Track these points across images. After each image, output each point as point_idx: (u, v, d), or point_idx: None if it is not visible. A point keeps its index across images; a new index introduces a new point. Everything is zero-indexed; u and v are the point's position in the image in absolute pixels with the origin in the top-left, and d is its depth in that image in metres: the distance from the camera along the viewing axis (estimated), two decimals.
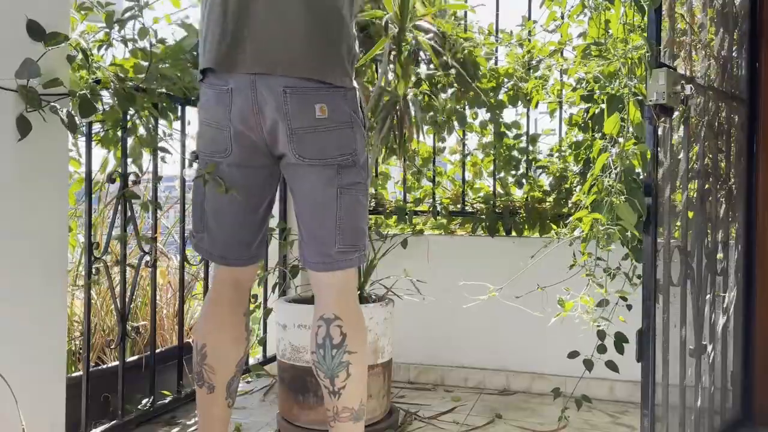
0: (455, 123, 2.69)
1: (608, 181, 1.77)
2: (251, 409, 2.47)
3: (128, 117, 1.96)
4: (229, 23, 1.56)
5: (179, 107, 2.22)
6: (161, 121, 2.09)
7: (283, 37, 1.55)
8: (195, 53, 2.06)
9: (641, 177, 1.76)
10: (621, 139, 1.80)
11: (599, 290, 2.02)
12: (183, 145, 2.32)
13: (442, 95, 2.58)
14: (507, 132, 2.80)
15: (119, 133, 2.00)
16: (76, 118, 1.64)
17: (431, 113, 2.59)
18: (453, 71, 2.40)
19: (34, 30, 1.56)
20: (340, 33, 1.58)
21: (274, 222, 2.80)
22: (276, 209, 2.87)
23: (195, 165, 1.74)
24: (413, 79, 2.31)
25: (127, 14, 1.78)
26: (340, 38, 1.58)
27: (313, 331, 1.63)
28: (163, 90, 2.00)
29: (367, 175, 1.67)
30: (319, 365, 1.62)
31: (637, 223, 1.70)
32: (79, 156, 2.02)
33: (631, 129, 1.78)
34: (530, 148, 2.80)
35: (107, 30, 1.83)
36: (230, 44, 1.56)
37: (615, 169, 1.78)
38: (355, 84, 1.64)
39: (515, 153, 2.82)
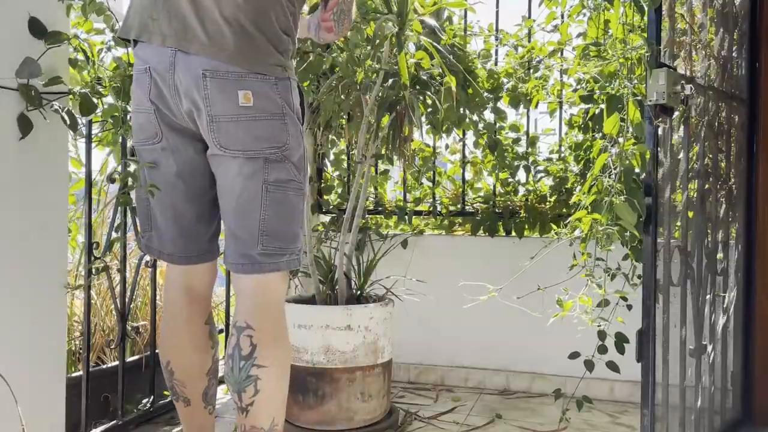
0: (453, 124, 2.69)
1: (608, 181, 1.76)
2: None
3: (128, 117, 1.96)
4: None
5: None
6: None
7: (204, 15, 1.41)
8: None
9: (641, 177, 1.76)
10: (621, 140, 1.80)
11: (599, 291, 2.02)
12: None
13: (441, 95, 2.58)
14: (502, 140, 2.79)
15: (119, 134, 2.00)
16: (77, 117, 1.64)
17: (431, 112, 2.59)
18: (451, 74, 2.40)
19: (36, 28, 1.57)
20: (272, 18, 1.45)
21: None
22: None
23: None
24: (413, 79, 2.31)
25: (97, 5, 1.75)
26: (271, 24, 1.44)
27: (228, 340, 1.50)
28: None
29: (303, 174, 1.51)
30: (227, 377, 1.47)
31: (636, 223, 1.70)
32: (78, 157, 2.03)
33: (630, 129, 1.78)
34: (529, 149, 2.80)
35: (87, 17, 1.80)
36: (150, 13, 1.44)
37: (615, 169, 1.78)
38: (290, 74, 1.51)
39: (515, 157, 2.81)
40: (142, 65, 1.48)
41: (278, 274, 1.50)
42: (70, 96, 1.66)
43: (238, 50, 1.41)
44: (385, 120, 2.27)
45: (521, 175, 2.80)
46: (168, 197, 1.55)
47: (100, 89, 1.73)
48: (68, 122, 1.60)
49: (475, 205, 2.87)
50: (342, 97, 2.26)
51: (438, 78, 2.39)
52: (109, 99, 1.80)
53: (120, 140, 1.99)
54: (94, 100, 1.68)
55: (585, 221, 1.83)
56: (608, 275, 2.05)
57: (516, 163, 2.78)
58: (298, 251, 1.51)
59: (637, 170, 1.82)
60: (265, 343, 1.45)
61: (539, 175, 2.75)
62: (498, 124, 2.78)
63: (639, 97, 1.83)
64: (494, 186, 2.84)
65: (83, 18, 1.75)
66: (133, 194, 1.78)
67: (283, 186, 1.47)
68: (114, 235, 2.03)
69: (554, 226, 2.56)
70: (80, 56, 1.72)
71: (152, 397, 2.23)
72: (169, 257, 1.62)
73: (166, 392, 2.35)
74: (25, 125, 1.54)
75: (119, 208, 2.03)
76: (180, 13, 1.42)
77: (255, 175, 1.44)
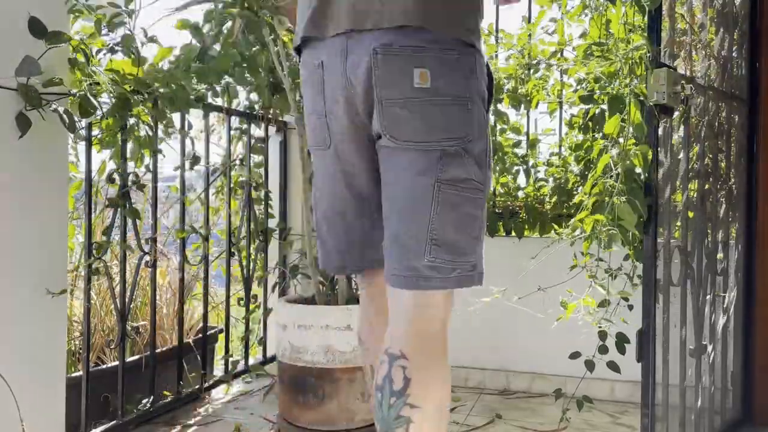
0: None
1: (609, 182, 1.76)
2: (251, 409, 2.47)
3: (128, 118, 1.96)
4: None
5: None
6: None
7: None
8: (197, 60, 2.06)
9: (642, 177, 1.76)
10: (621, 140, 1.80)
11: (601, 291, 2.02)
12: (183, 147, 2.32)
13: None
14: (503, 142, 2.79)
15: (119, 135, 2.00)
16: (75, 118, 1.64)
17: None
18: None
19: (36, 28, 1.57)
20: None
21: (273, 222, 2.81)
22: (276, 209, 2.87)
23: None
24: None
25: (116, 19, 1.77)
26: None
27: (376, 366, 1.25)
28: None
29: (484, 172, 1.24)
30: (375, 412, 1.22)
31: (637, 223, 1.70)
32: (77, 160, 2.03)
33: (631, 129, 1.78)
34: (528, 152, 2.80)
35: (101, 32, 1.82)
36: (318, 6, 1.26)
37: (616, 169, 1.77)
38: (479, 46, 1.25)
39: (514, 162, 2.81)
40: (312, 62, 1.28)
41: (443, 294, 1.23)
42: (70, 98, 1.66)
43: (415, 9, 1.17)
44: None
45: (521, 179, 2.80)
46: (339, 205, 1.35)
47: (97, 88, 1.74)
48: (67, 123, 1.60)
49: None
50: None
51: None
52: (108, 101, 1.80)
53: (120, 142, 1.99)
54: (94, 101, 1.68)
55: (587, 222, 1.83)
56: (610, 275, 2.05)
57: (515, 168, 2.78)
58: (471, 267, 1.23)
59: (638, 170, 1.82)
60: (420, 379, 1.18)
61: (539, 183, 2.75)
62: (499, 126, 2.78)
63: (640, 98, 1.83)
64: (494, 186, 2.83)
65: (95, 30, 1.77)
66: (133, 195, 1.79)
67: (460, 186, 1.20)
68: (114, 236, 2.03)
69: (555, 227, 2.56)
70: (80, 58, 1.73)
71: (152, 397, 2.23)
72: (337, 270, 1.45)
73: (166, 392, 2.35)
74: (23, 123, 1.54)
75: (119, 209, 2.03)
76: None
77: (427, 171, 1.19)
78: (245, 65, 2.16)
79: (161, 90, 1.93)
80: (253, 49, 2.18)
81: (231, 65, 2.09)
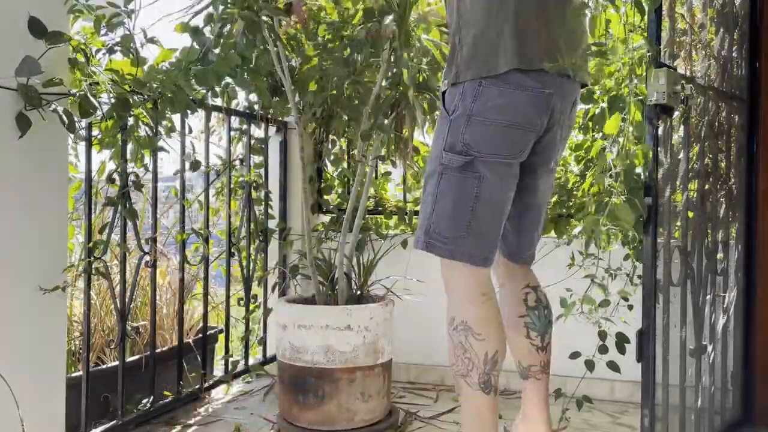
0: None
1: (609, 182, 1.76)
2: (251, 409, 2.47)
3: (127, 118, 1.96)
4: (540, 23, 1.58)
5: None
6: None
7: (579, 40, 1.65)
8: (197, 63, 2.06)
9: (642, 177, 1.76)
10: (621, 139, 1.79)
11: (600, 291, 2.02)
12: (183, 147, 2.32)
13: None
14: None
15: (119, 136, 2.00)
16: (75, 118, 1.64)
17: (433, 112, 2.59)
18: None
19: (36, 28, 1.57)
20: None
21: (273, 223, 2.81)
22: (276, 209, 2.87)
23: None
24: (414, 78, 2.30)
25: (115, 20, 1.77)
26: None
27: (519, 297, 1.81)
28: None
29: None
30: (531, 325, 1.81)
31: (636, 223, 1.70)
32: (77, 161, 2.03)
33: (631, 129, 1.78)
34: None
35: (100, 32, 1.82)
36: (547, 45, 1.58)
37: (615, 169, 1.77)
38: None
39: None
40: (541, 88, 1.58)
41: None
42: (70, 98, 1.66)
43: (588, 72, 1.71)
44: (386, 120, 2.27)
45: None
46: (504, 208, 1.67)
47: (97, 88, 1.74)
48: (66, 123, 1.60)
49: None
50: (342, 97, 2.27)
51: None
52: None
53: (120, 142, 1.99)
54: (94, 102, 1.68)
55: (587, 221, 1.82)
56: (610, 275, 2.05)
57: None
58: None
59: (638, 170, 1.82)
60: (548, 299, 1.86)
61: None
62: None
63: (640, 97, 1.83)
64: None
65: (94, 30, 1.77)
66: (134, 195, 1.79)
67: None
68: (114, 236, 2.03)
69: (555, 226, 2.56)
70: (80, 58, 1.73)
71: (152, 397, 2.23)
72: (484, 261, 1.68)
73: (166, 392, 2.35)
74: (23, 123, 1.54)
75: (118, 209, 2.03)
76: (569, 41, 1.63)
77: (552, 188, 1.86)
78: (245, 68, 2.16)
79: (160, 92, 1.93)
80: (254, 52, 2.17)
81: (231, 68, 2.09)
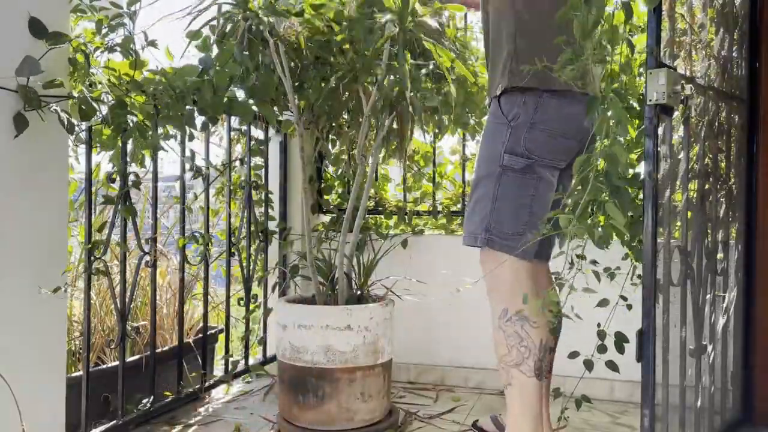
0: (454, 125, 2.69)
1: (595, 182, 1.76)
2: (251, 409, 2.48)
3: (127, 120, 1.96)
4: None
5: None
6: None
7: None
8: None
9: (627, 176, 1.75)
10: (606, 140, 1.79)
11: (599, 290, 2.01)
12: (183, 149, 2.32)
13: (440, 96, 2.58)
14: None
15: (119, 139, 2.00)
16: (75, 121, 1.64)
17: (433, 112, 2.59)
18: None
19: (36, 28, 1.57)
20: None
21: (273, 224, 2.81)
22: (276, 209, 2.87)
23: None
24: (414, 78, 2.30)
25: (114, 21, 1.77)
26: None
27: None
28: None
29: None
30: (550, 325, 1.83)
31: (625, 223, 1.69)
32: (77, 163, 2.03)
33: (619, 128, 1.78)
34: None
35: (101, 32, 1.82)
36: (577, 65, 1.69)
37: (598, 167, 1.77)
38: None
39: None
40: (581, 101, 1.71)
41: None
42: (70, 100, 1.66)
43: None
44: (386, 120, 2.27)
45: None
46: (547, 205, 1.81)
47: (97, 89, 1.74)
48: (66, 125, 1.60)
49: None
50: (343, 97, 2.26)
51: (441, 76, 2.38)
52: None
53: (120, 144, 1.99)
54: (94, 105, 1.68)
55: (581, 221, 1.82)
56: (608, 275, 2.05)
57: None
58: None
59: (637, 170, 1.81)
60: None
61: None
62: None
63: (640, 97, 1.83)
64: None
65: (95, 31, 1.77)
66: (134, 195, 1.79)
67: None
68: (114, 236, 2.03)
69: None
70: (80, 59, 1.73)
71: (152, 397, 2.23)
72: (536, 255, 1.86)
73: (166, 392, 2.35)
74: (20, 123, 1.54)
75: (118, 209, 2.03)
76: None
77: None
78: (247, 86, 2.16)
79: (156, 97, 1.94)
80: (257, 56, 2.16)
81: (229, 80, 2.09)
